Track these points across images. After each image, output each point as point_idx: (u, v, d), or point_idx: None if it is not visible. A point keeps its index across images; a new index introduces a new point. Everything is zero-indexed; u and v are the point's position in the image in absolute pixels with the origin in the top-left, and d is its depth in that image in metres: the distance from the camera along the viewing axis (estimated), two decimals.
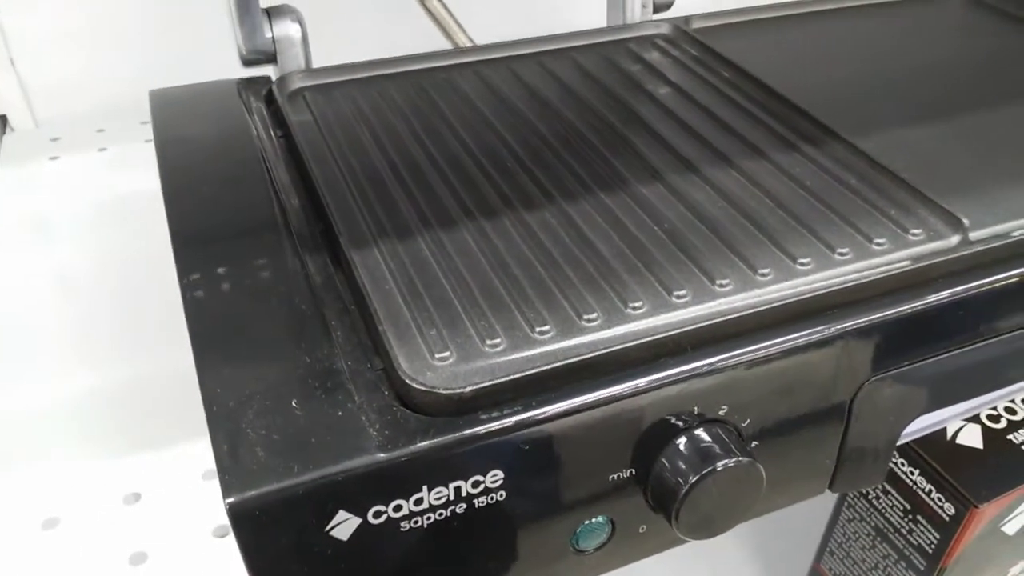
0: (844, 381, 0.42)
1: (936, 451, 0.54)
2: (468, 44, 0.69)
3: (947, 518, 0.53)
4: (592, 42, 0.64)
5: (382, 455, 0.33)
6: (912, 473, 0.54)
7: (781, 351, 0.39)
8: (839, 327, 0.40)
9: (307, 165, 0.48)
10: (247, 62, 0.57)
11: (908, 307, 0.41)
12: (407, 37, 0.69)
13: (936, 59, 0.64)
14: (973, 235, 0.45)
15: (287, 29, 0.57)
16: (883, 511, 0.57)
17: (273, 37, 0.57)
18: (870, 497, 0.58)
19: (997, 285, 0.43)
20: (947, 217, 0.46)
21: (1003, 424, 0.56)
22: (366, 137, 0.53)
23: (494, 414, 0.35)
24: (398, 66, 0.60)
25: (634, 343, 0.38)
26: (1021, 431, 0.56)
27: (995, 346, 0.44)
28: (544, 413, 0.35)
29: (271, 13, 0.57)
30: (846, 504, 0.60)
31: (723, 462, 0.38)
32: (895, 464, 0.55)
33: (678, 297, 0.41)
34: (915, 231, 0.45)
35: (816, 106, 0.56)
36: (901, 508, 0.56)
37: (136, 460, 0.58)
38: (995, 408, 0.57)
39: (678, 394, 0.38)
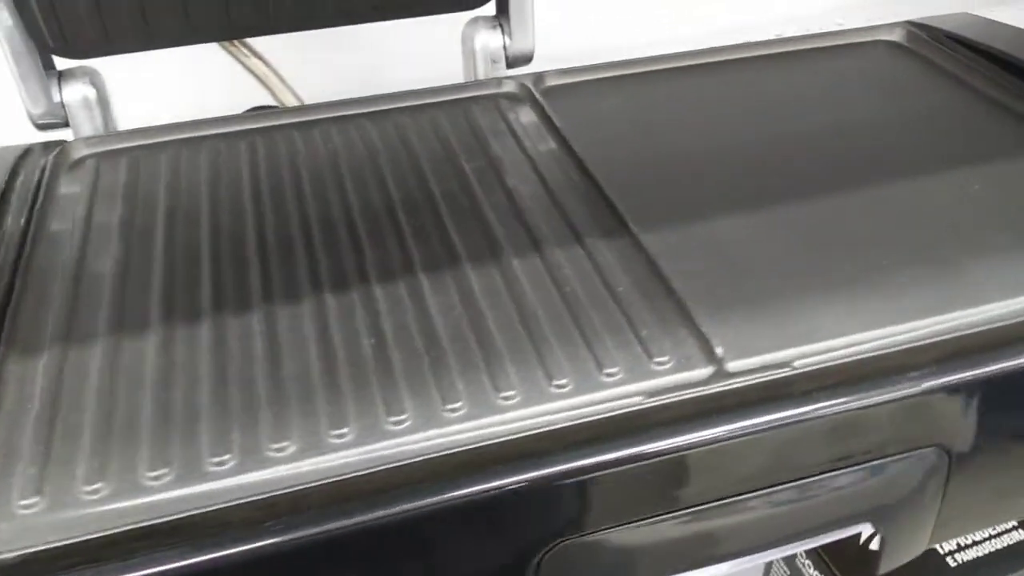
0: (522, 542, 0.36)
1: None
2: (295, 103, 0.65)
3: None
4: (431, 101, 0.59)
5: None
6: None
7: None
8: (519, 479, 0.34)
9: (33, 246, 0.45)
10: (40, 127, 0.54)
11: (606, 457, 0.35)
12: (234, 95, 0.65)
13: (804, 125, 0.56)
14: (731, 366, 0.38)
15: (79, 93, 0.54)
16: None
17: (63, 101, 0.54)
18: None
19: (738, 434, 0.36)
20: (702, 343, 0.39)
21: None
22: (120, 217, 0.49)
23: None
24: (201, 129, 0.56)
25: (234, 503, 0.32)
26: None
27: (719, 512, 0.38)
28: None
29: (62, 76, 0.54)
30: None
31: None
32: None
33: (336, 437, 0.35)
34: (660, 359, 0.38)
35: (625, 188, 0.49)
36: None
37: None
38: None
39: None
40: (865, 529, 0.40)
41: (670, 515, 0.36)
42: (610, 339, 0.39)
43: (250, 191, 0.51)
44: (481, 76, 0.60)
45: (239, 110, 0.57)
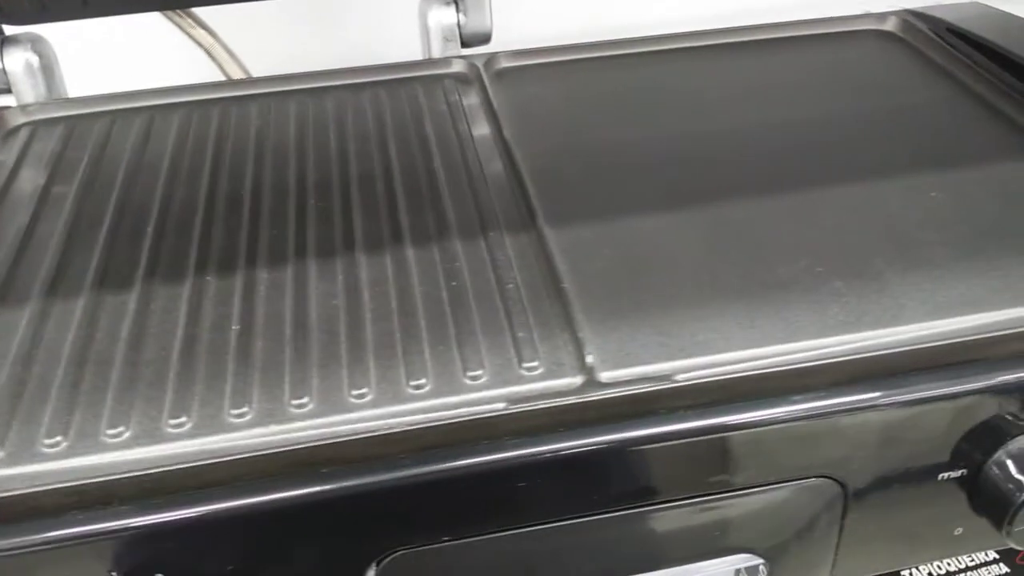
0: (356, 549, 0.34)
1: None
2: (242, 76, 0.63)
3: None
4: (376, 79, 0.57)
5: None
6: None
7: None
8: (354, 483, 0.33)
9: None
10: None
11: (448, 465, 0.33)
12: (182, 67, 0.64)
13: (763, 120, 0.52)
14: (604, 376, 0.36)
15: (21, 59, 0.54)
16: None
17: (4, 68, 0.54)
18: None
19: (596, 449, 0.34)
20: (577, 350, 0.36)
21: None
22: (42, 185, 0.48)
23: None
24: (137, 100, 0.55)
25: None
26: None
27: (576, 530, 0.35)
28: None
29: (5, 43, 0.54)
30: None
31: None
32: None
33: (175, 427, 0.34)
34: (530, 364, 0.36)
35: (547, 180, 0.46)
36: None
37: None
38: None
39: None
40: (749, 561, 0.37)
41: (517, 531, 0.34)
42: (485, 340, 0.37)
43: (169, 163, 0.50)
44: (436, 54, 0.58)
45: (187, 81, 0.56)
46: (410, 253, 0.42)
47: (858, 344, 0.36)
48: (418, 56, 0.60)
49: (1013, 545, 0.37)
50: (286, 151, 0.51)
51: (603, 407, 0.34)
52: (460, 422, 0.34)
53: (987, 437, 0.36)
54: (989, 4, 0.66)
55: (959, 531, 0.38)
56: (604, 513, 0.35)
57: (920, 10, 0.63)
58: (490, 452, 0.33)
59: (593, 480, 0.34)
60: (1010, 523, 0.36)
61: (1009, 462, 0.36)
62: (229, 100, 0.55)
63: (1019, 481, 0.36)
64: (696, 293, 0.39)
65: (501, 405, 0.35)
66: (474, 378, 0.36)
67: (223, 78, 0.65)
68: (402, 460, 0.33)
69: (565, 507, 0.34)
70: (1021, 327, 0.37)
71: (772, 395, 0.34)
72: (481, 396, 0.35)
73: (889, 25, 0.61)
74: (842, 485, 0.36)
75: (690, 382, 0.35)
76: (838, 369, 0.35)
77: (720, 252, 0.42)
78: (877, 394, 0.35)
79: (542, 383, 0.35)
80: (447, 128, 0.52)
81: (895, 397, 0.35)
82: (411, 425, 0.34)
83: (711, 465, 0.35)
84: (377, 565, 0.33)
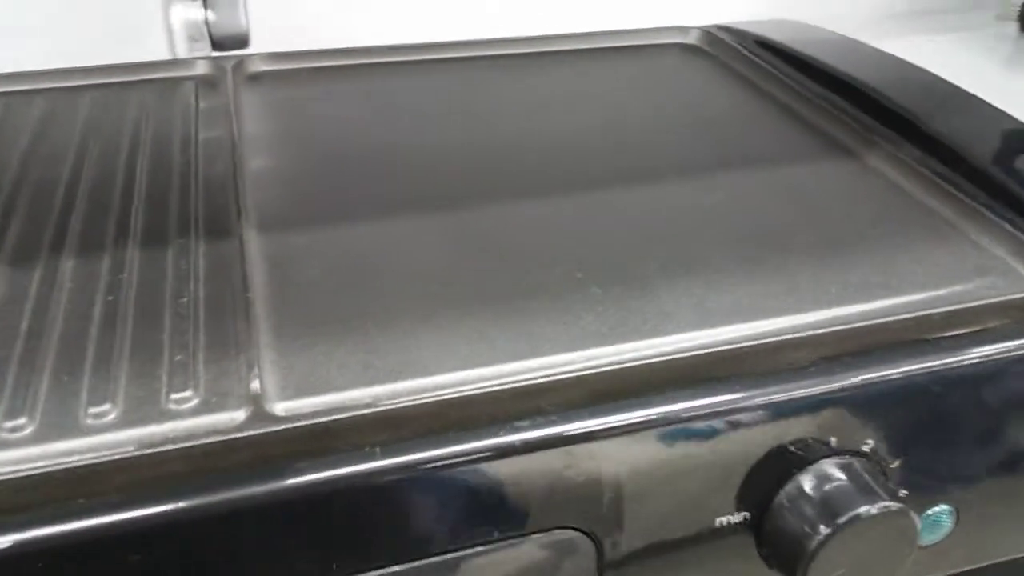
0: None
1: None
2: None
3: None
4: (110, 80, 0.49)
5: None
6: None
7: None
8: None
9: None
10: None
11: (52, 530, 0.23)
12: None
13: (537, 129, 0.46)
14: (278, 408, 0.27)
15: None
16: None
17: None
18: None
19: (240, 502, 0.25)
20: (246, 377, 0.28)
21: None
22: None
23: None
24: None
25: None
26: None
27: None
28: None
29: None
30: None
31: None
32: None
33: None
34: (180, 395, 0.27)
35: (267, 186, 0.38)
36: None
37: None
38: None
39: None
40: None
41: None
42: (130, 367, 0.28)
43: None
44: (182, 55, 0.50)
45: None
46: (68, 265, 0.33)
47: (609, 358, 0.29)
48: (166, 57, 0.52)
49: None
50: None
51: (266, 445, 0.26)
52: (58, 472, 0.25)
53: (771, 468, 0.30)
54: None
55: None
56: None
57: (727, 24, 0.60)
58: (89, 514, 0.24)
59: (235, 545, 0.26)
60: (804, 573, 0.29)
61: (799, 499, 0.30)
62: None
63: (811, 521, 0.29)
64: (423, 307, 0.31)
65: (128, 448, 0.26)
66: (98, 415, 0.27)
67: None
68: None
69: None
70: (806, 332, 0.31)
71: (497, 421, 0.27)
72: (101, 440, 0.26)
73: (693, 38, 0.57)
74: (593, 539, 0.28)
75: (390, 407, 0.27)
76: (580, 385, 0.28)
77: (463, 263, 0.34)
78: (629, 415, 0.27)
79: (191, 420, 0.27)
80: (170, 131, 0.43)
81: (651, 415, 0.28)
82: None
83: (418, 516, 0.27)
84: None
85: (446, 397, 0.27)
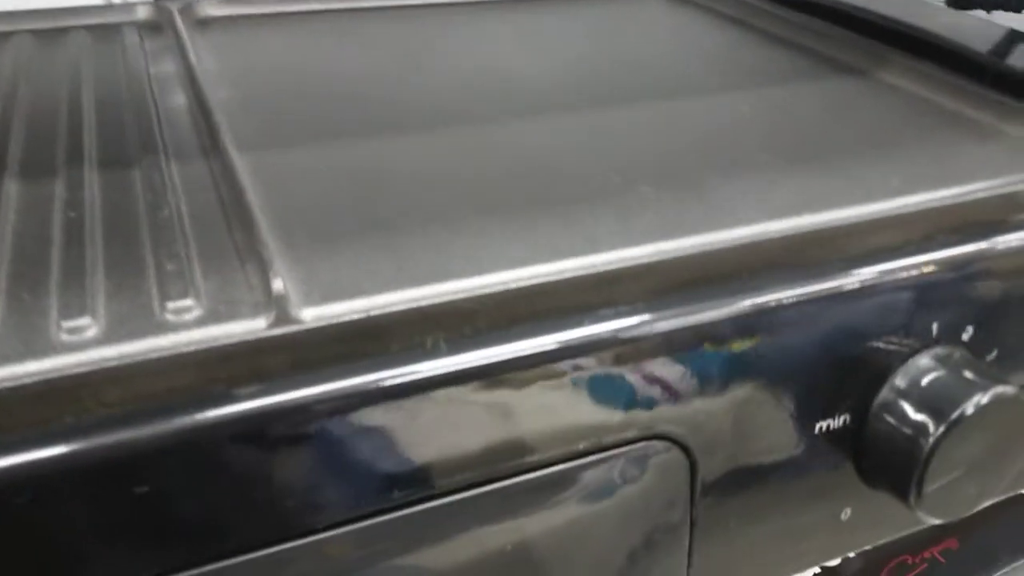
0: None
1: None
2: None
3: None
4: (49, 26, 0.42)
5: None
6: None
7: None
8: None
9: None
10: None
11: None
12: None
13: (517, 69, 0.42)
14: (306, 314, 0.22)
15: None
16: None
17: None
18: None
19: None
20: (263, 280, 0.23)
21: None
22: None
23: None
24: None
25: None
26: None
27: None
28: None
29: None
30: None
31: None
32: None
33: None
34: (178, 304, 0.22)
35: (234, 114, 0.33)
36: None
37: None
38: None
39: None
40: None
41: None
42: (107, 281, 0.22)
43: None
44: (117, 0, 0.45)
45: None
46: (11, 189, 0.27)
47: (684, 247, 0.25)
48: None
49: (927, 518, 0.26)
50: None
51: (300, 349, 0.21)
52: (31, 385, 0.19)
53: (871, 361, 0.26)
54: None
55: (847, 513, 0.27)
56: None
57: None
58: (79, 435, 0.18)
59: (292, 479, 0.20)
60: (919, 484, 0.25)
61: (901, 399, 0.26)
62: None
63: (919, 424, 0.26)
64: (453, 214, 0.27)
65: (113, 360, 0.20)
66: (74, 330, 0.21)
67: None
68: None
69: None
70: (890, 215, 0.28)
71: (579, 309, 0.22)
72: (86, 356, 0.20)
73: None
74: (686, 450, 0.24)
75: (451, 299, 0.22)
76: (652, 274, 0.24)
77: (483, 175, 0.30)
78: (716, 310, 0.24)
79: (196, 330, 0.21)
80: (116, 69, 0.37)
81: (749, 306, 0.24)
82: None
83: (489, 426, 0.22)
84: None
85: (513, 287, 0.22)
